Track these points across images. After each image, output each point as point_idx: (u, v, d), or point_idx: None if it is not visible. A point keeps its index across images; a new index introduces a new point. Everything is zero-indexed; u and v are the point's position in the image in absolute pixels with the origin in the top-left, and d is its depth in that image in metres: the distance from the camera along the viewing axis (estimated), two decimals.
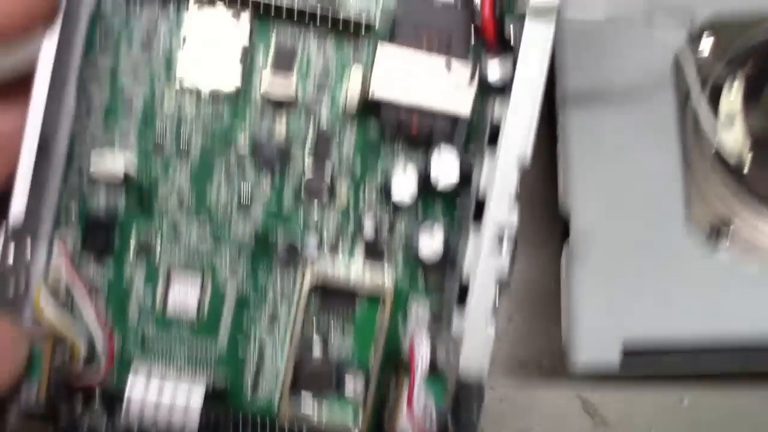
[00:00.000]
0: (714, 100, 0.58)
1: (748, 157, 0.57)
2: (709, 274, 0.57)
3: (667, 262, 0.57)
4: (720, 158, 0.57)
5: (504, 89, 0.49)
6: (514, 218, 0.47)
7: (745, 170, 0.57)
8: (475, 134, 0.50)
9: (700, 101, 0.55)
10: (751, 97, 0.57)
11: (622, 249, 0.58)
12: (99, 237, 0.50)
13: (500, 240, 0.47)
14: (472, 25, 0.49)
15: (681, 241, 0.57)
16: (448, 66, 0.47)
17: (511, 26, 0.48)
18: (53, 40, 0.46)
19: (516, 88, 0.46)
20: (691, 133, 0.58)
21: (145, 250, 0.51)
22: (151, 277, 0.51)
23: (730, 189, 0.58)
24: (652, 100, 0.58)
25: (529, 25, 0.46)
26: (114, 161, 0.50)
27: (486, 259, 0.47)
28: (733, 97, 0.57)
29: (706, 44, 0.58)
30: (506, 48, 0.48)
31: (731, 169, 0.57)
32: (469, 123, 0.50)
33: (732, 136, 0.57)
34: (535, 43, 0.46)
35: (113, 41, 0.50)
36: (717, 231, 0.57)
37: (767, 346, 0.56)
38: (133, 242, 0.51)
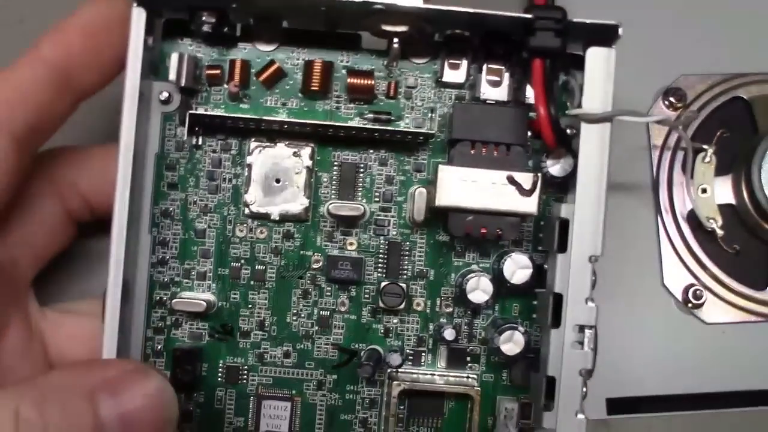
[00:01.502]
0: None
1: (719, 222, 0.60)
2: (684, 332, 0.61)
3: (644, 322, 0.61)
4: (694, 222, 0.61)
5: (567, 180, 0.50)
6: (592, 312, 0.47)
7: (719, 233, 0.60)
8: (544, 228, 0.51)
9: None
10: (721, 170, 0.61)
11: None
12: (186, 367, 0.51)
13: (581, 330, 0.47)
14: (528, 122, 0.50)
15: (657, 301, 0.61)
16: (510, 180, 0.47)
17: (568, 129, 0.48)
18: (125, 186, 0.47)
19: (580, 190, 0.47)
20: (665, 199, 0.61)
21: (233, 375, 0.52)
22: (241, 400, 0.52)
23: (703, 251, 0.61)
24: (630, 170, 0.62)
25: (585, 129, 0.46)
26: (194, 294, 0.51)
27: (569, 354, 0.47)
28: (705, 168, 0.61)
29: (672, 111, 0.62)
30: (564, 142, 0.49)
31: (704, 233, 0.61)
32: (536, 219, 0.51)
33: (705, 202, 0.60)
34: (592, 145, 0.47)
35: (180, 179, 0.51)
36: (691, 291, 0.61)
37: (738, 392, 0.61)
38: (220, 369, 0.52)
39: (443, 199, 0.48)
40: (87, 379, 0.42)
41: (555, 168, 0.50)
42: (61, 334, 0.53)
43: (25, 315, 0.52)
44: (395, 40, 0.49)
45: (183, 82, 0.49)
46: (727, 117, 0.62)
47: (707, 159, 0.60)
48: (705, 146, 0.60)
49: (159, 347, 0.52)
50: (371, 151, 0.52)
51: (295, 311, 0.52)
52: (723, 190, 0.61)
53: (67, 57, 0.48)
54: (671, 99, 0.61)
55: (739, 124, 0.61)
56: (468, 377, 0.52)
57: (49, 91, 0.47)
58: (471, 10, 0.46)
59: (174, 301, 0.51)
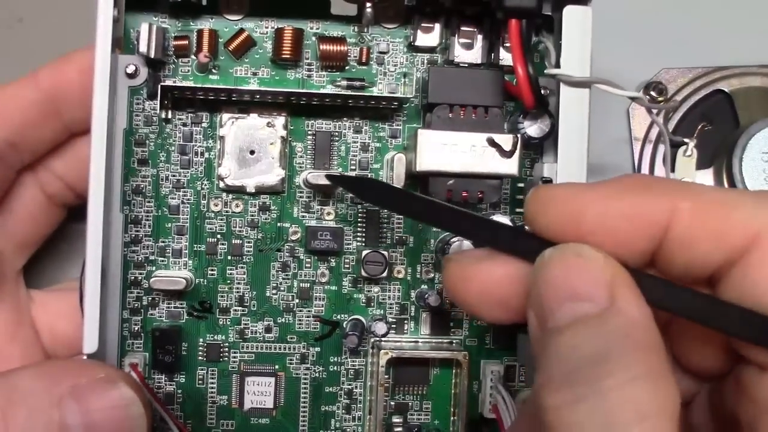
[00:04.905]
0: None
1: None
2: None
3: None
4: None
5: (543, 141, 0.49)
6: None
7: None
8: (526, 190, 0.51)
9: None
10: (703, 163, 0.61)
11: None
12: (167, 347, 0.50)
13: None
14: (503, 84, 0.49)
15: None
16: (491, 142, 0.47)
17: (542, 89, 0.48)
18: (99, 164, 0.46)
19: (562, 151, 0.47)
20: None
21: (214, 352, 0.51)
22: (223, 378, 0.51)
23: None
24: (611, 163, 0.62)
25: (564, 90, 0.46)
26: (171, 272, 0.50)
27: None
28: (686, 161, 0.61)
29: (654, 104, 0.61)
30: (541, 102, 0.49)
31: None
32: (516, 179, 0.50)
33: None
34: (573, 105, 0.47)
35: (151, 154, 0.50)
36: None
37: None
38: (201, 347, 0.51)
39: (423, 164, 0.48)
40: (57, 385, 0.42)
41: (532, 129, 0.49)
42: (50, 313, 0.53)
43: (13, 301, 0.51)
44: (368, 4, 0.48)
45: (153, 54, 0.48)
46: (709, 110, 0.62)
47: (688, 152, 0.60)
48: (686, 140, 0.60)
49: (136, 328, 0.51)
50: (345, 118, 0.51)
51: (274, 285, 0.51)
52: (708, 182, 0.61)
53: (60, 86, 0.49)
54: (652, 93, 0.61)
55: (720, 117, 0.62)
56: (452, 342, 0.52)
57: (36, 113, 0.49)
58: None
59: (152, 279, 0.49)
